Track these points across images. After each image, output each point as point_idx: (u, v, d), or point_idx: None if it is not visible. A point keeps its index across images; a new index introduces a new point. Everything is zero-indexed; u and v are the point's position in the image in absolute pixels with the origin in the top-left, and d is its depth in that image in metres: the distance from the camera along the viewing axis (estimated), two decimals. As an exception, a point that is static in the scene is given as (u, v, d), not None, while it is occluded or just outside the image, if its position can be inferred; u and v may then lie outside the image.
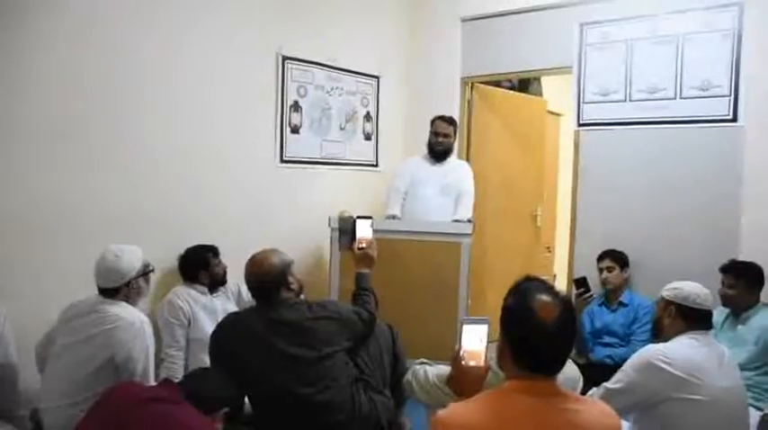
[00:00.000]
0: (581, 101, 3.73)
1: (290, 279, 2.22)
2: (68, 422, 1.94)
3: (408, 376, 2.20)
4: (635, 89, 3.53)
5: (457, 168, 3.68)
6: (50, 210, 2.60)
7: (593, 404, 1.37)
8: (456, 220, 3.45)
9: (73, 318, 2.15)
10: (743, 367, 2.34)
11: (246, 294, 2.79)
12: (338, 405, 2.11)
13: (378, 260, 2.55)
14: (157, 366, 2.54)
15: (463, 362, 1.60)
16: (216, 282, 2.97)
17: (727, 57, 3.24)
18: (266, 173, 3.55)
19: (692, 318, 2.00)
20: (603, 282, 3.31)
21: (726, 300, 2.76)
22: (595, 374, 2.31)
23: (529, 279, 1.39)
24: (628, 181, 3.57)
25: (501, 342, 1.37)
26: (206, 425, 1.77)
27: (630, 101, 3.55)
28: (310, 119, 3.78)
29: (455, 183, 3.60)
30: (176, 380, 2.04)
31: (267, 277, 2.17)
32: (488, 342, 1.60)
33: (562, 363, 1.32)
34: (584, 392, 2.01)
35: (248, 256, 2.25)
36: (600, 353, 3.18)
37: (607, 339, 3.22)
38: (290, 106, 3.66)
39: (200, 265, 2.92)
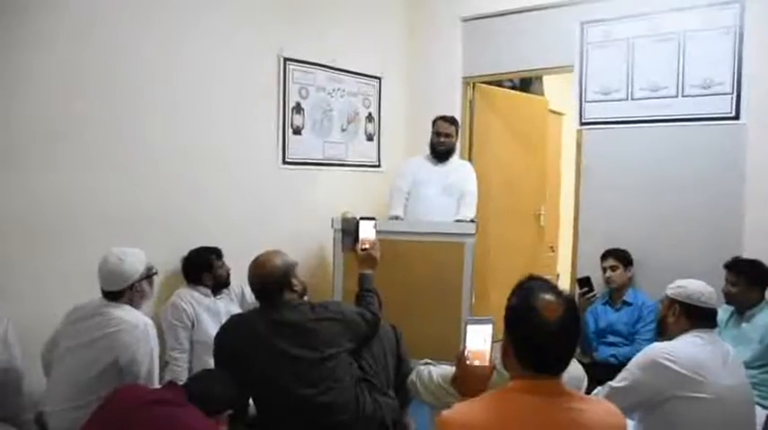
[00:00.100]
0: (583, 100, 3.72)
1: (294, 280, 2.21)
2: (73, 425, 1.94)
3: (413, 376, 2.20)
4: (637, 87, 3.53)
5: (459, 168, 3.67)
6: (51, 210, 2.60)
7: (598, 403, 1.37)
8: (459, 220, 3.44)
9: (77, 321, 2.15)
10: (747, 365, 2.33)
11: (250, 296, 2.80)
12: (341, 405, 2.10)
13: (381, 261, 2.55)
14: (162, 369, 2.54)
15: (468, 362, 1.60)
16: (219, 284, 2.97)
17: (729, 54, 3.23)
18: (268, 174, 3.55)
19: (697, 317, 2.00)
20: (607, 281, 3.31)
21: (729, 298, 2.75)
22: (600, 373, 2.32)
23: (532, 278, 1.39)
24: (630, 179, 3.56)
25: (505, 341, 1.37)
26: (210, 427, 1.77)
27: (632, 99, 3.55)
28: (312, 120, 3.79)
29: (457, 183, 3.59)
30: (180, 383, 2.04)
31: (270, 279, 2.17)
32: (493, 342, 1.60)
33: (566, 363, 1.32)
34: (588, 391, 2.00)
35: (251, 258, 2.24)
36: (604, 353, 3.17)
37: (611, 338, 3.22)
38: (292, 108, 3.66)
39: (203, 267, 2.92)
